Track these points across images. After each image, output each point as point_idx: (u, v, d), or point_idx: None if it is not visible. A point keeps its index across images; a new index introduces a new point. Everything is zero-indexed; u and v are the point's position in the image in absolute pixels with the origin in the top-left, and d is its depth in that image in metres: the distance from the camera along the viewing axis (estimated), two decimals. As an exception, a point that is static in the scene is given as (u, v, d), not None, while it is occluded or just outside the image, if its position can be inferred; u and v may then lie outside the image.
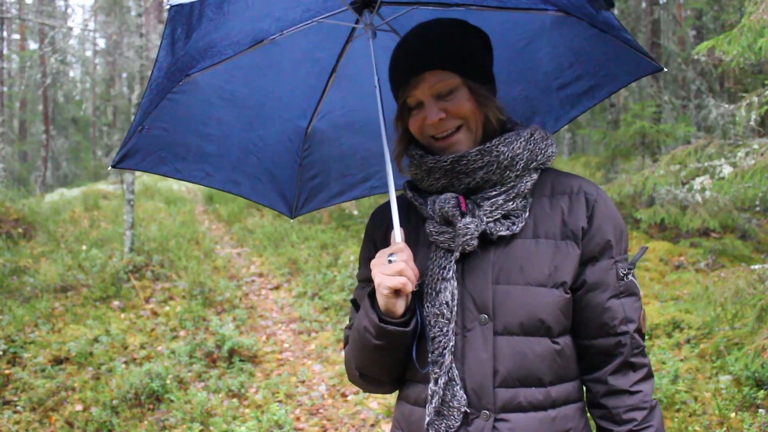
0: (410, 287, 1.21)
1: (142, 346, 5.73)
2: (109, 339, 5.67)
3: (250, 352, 5.65)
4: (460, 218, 1.25)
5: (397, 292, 1.21)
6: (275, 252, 9.23)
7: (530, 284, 1.24)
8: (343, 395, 4.97)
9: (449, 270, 1.25)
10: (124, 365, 5.29)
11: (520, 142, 1.30)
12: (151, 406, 4.76)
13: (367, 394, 4.75)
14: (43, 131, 20.94)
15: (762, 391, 3.90)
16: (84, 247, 8.25)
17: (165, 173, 1.68)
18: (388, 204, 1.36)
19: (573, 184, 1.33)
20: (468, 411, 1.23)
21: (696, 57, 9.32)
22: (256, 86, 1.75)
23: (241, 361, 5.48)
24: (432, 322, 1.25)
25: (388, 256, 1.23)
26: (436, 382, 1.24)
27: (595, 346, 1.29)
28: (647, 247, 1.50)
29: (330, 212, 10.97)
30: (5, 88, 17.16)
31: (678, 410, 3.98)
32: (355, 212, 11.10)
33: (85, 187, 16.12)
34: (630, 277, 1.29)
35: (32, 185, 19.27)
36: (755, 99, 4.33)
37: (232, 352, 5.55)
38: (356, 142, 1.91)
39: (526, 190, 1.30)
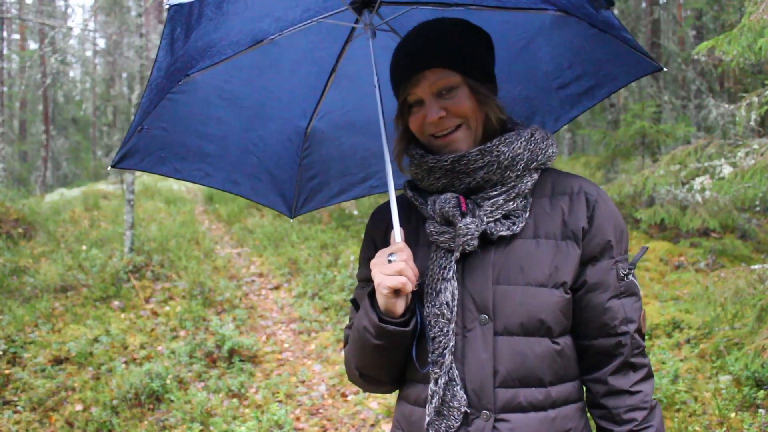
0: (410, 287, 1.21)
1: (142, 346, 5.73)
2: (109, 339, 5.67)
3: (250, 352, 5.65)
4: (460, 218, 1.25)
5: (396, 292, 1.21)
6: (275, 252, 9.23)
7: (530, 284, 1.24)
8: (343, 395, 4.97)
9: (449, 270, 1.25)
10: (124, 365, 5.29)
11: (521, 142, 1.30)
12: (151, 406, 4.76)
13: (367, 394, 4.75)
14: (43, 131, 20.95)
15: (762, 391, 3.90)
16: (84, 247, 8.25)
17: (164, 173, 1.68)
18: (388, 204, 1.36)
19: (573, 184, 1.33)
20: (468, 411, 1.23)
21: (696, 57, 9.32)
22: (255, 86, 1.75)
23: (241, 361, 5.48)
24: (432, 322, 1.25)
25: (388, 256, 1.23)
26: (436, 382, 1.24)
27: (595, 347, 1.29)
28: (647, 248, 1.50)
29: (330, 212, 10.97)
30: (5, 88, 17.16)
31: (678, 410, 3.98)
32: (355, 212, 11.10)
33: (85, 187, 16.13)
34: (630, 277, 1.29)
35: (32, 185, 19.28)
36: (755, 99, 4.33)
37: (232, 352, 5.55)
38: (356, 141, 1.91)
39: (526, 190, 1.29)
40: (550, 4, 1.46)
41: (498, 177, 1.28)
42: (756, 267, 4.13)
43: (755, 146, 4.41)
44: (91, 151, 26.32)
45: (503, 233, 1.26)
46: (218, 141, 1.74)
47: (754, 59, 3.72)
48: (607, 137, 9.23)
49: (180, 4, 1.26)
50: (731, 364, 4.16)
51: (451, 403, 1.23)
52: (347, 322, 1.48)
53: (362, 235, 1.51)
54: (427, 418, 1.25)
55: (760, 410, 3.76)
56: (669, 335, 5.15)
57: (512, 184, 1.29)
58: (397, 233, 1.29)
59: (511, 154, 1.28)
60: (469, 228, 1.23)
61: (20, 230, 8.88)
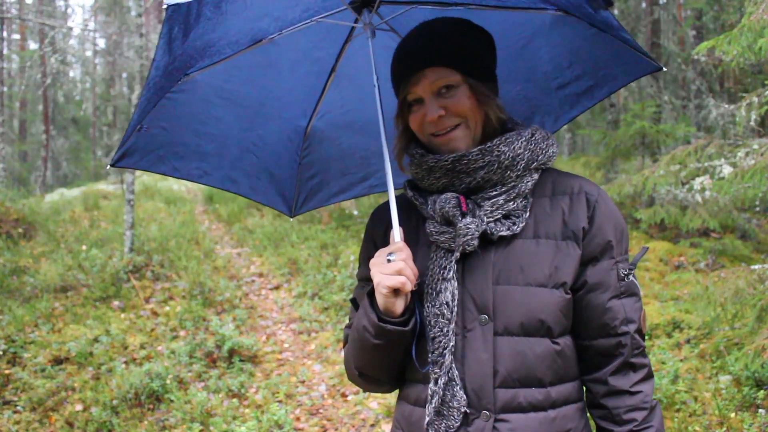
0: (409, 286, 1.21)
1: (142, 346, 5.73)
2: (109, 339, 5.67)
3: (250, 352, 5.65)
4: (460, 218, 1.25)
5: (396, 292, 1.21)
6: (275, 252, 9.23)
7: (530, 284, 1.24)
8: (343, 395, 4.96)
9: (450, 270, 1.25)
10: (124, 365, 5.29)
11: (521, 142, 1.30)
12: (151, 406, 4.75)
13: (367, 394, 4.75)
14: (43, 131, 20.95)
15: (762, 391, 3.89)
16: (84, 247, 8.25)
17: (163, 172, 1.68)
18: (388, 203, 1.36)
19: (574, 184, 1.33)
20: (468, 411, 1.23)
21: (696, 57, 9.32)
22: (255, 85, 1.75)
23: (241, 361, 5.48)
24: (432, 323, 1.25)
25: (387, 256, 1.23)
26: (436, 383, 1.24)
27: (595, 347, 1.28)
28: (648, 248, 1.50)
29: (330, 212, 10.97)
30: (5, 88, 17.16)
31: (678, 410, 3.98)
32: (355, 212, 11.10)
33: (85, 187, 16.14)
34: (631, 277, 1.29)
35: (32, 185, 19.28)
36: (755, 99, 4.33)
37: (232, 352, 5.55)
38: (356, 141, 1.91)
39: (526, 190, 1.29)
40: (549, 4, 1.46)
41: (498, 177, 1.28)
42: (756, 267, 4.12)
43: (755, 146, 4.41)
44: (91, 151, 26.32)
45: (503, 233, 1.26)
46: (217, 140, 1.74)
47: (754, 59, 3.71)
48: (607, 137, 9.23)
49: (178, 4, 1.26)
50: (731, 364, 4.16)
51: (450, 404, 1.23)
52: (347, 321, 1.48)
53: (362, 235, 1.51)
54: (427, 418, 1.25)
55: (760, 410, 3.76)
56: (669, 335, 5.15)
57: (512, 184, 1.29)
58: (397, 233, 1.29)
59: (511, 154, 1.28)
60: (469, 228, 1.23)
61: (20, 230, 8.88)
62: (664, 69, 1.52)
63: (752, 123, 4.45)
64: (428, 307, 1.26)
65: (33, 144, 23.83)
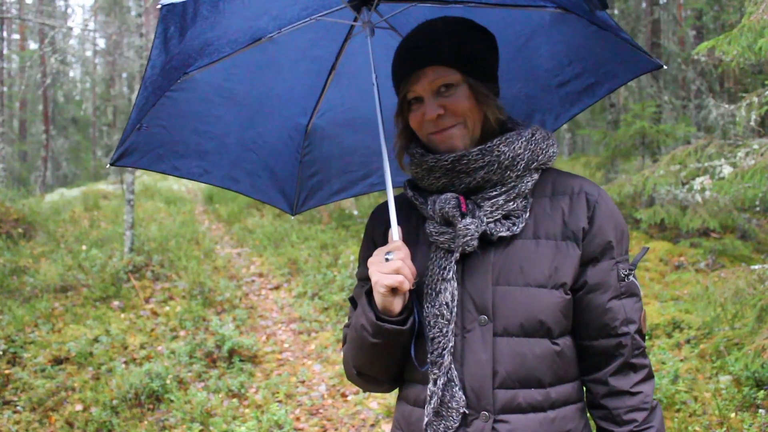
0: (407, 285, 1.20)
1: (142, 346, 5.73)
2: (109, 339, 5.67)
3: (250, 352, 5.64)
4: (460, 219, 1.24)
5: (394, 291, 1.21)
6: (275, 252, 9.22)
7: (530, 285, 1.23)
8: (343, 395, 4.96)
9: (449, 271, 1.25)
10: (124, 365, 5.29)
11: (522, 142, 1.29)
12: (151, 406, 4.75)
13: (367, 394, 4.74)
14: (43, 131, 20.95)
15: (762, 391, 3.89)
16: (84, 247, 8.24)
17: (163, 171, 1.68)
18: (387, 203, 1.36)
19: (574, 184, 1.32)
20: (467, 412, 1.22)
21: (696, 57, 9.32)
22: (255, 84, 1.74)
23: (241, 361, 5.48)
24: (431, 323, 1.25)
25: (385, 255, 1.23)
26: (435, 383, 1.23)
27: (595, 347, 1.28)
28: (648, 248, 1.49)
29: (330, 212, 10.97)
30: (5, 88, 17.16)
31: (678, 410, 3.98)
32: (355, 212, 11.10)
33: (85, 187, 16.14)
34: (631, 277, 1.28)
35: (32, 185, 19.28)
36: (755, 99, 4.33)
37: (232, 352, 5.55)
38: (356, 139, 1.91)
39: (526, 191, 1.29)
40: (549, 2, 1.45)
41: (498, 177, 1.28)
42: (756, 267, 4.12)
43: (755, 146, 4.41)
44: (91, 151, 26.33)
45: (503, 234, 1.25)
46: (217, 138, 1.74)
47: (754, 59, 3.71)
48: (607, 137, 9.23)
49: (172, 4, 1.25)
50: (731, 365, 4.16)
51: (449, 404, 1.22)
52: (346, 321, 1.47)
53: (362, 235, 1.51)
54: (426, 419, 1.25)
55: (760, 410, 3.75)
56: (669, 335, 5.14)
57: (512, 184, 1.28)
58: (395, 232, 1.28)
59: (511, 154, 1.27)
60: (469, 229, 1.23)
61: (20, 230, 8.88)
62: (665, 66, 1.52)
63: (752, 123, 4.45)
64: (428, 307, 1.26)
65: (33, 144, 23.84)
